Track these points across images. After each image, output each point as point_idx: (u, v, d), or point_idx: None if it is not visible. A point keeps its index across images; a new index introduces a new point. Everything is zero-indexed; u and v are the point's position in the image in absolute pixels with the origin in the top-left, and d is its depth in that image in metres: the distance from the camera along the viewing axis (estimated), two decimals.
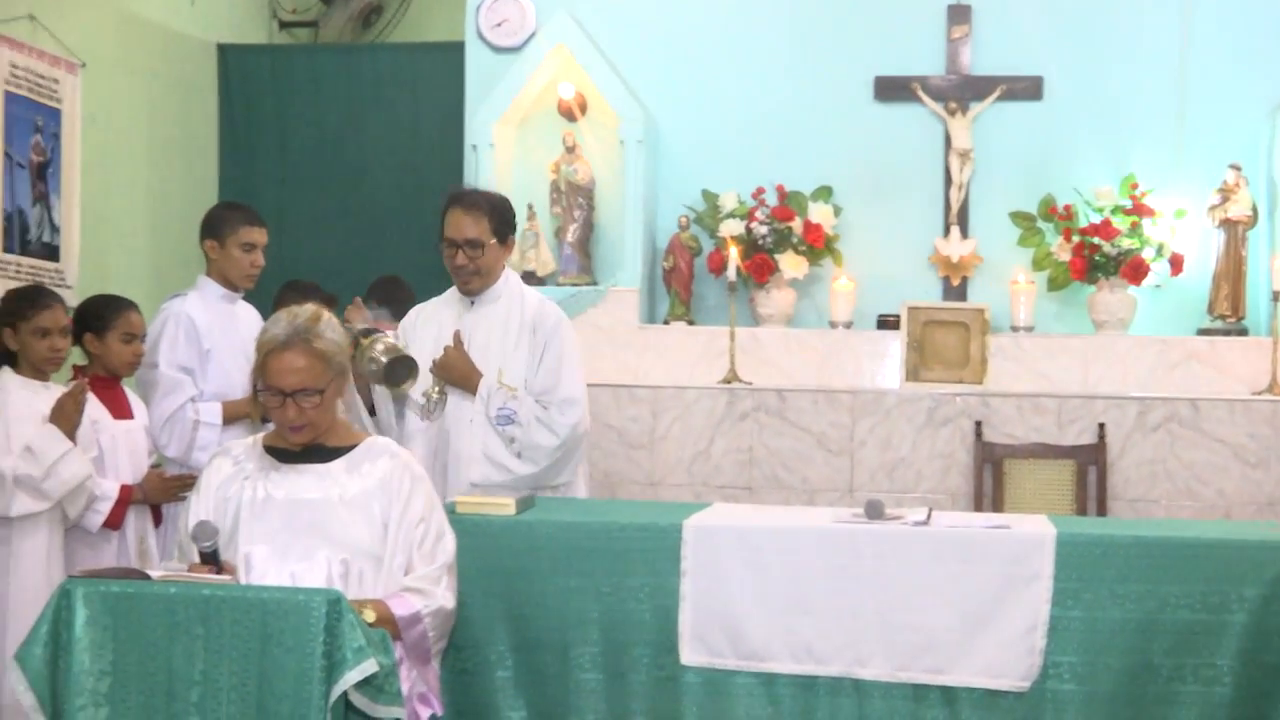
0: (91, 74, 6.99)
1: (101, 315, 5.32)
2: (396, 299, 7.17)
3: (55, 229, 6.71)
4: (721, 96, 7.26)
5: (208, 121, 8.28)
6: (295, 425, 3.72)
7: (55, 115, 6.74)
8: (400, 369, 4.81)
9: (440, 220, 5.02)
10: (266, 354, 3.71)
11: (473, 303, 5.05)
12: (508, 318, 5.09)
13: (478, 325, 5.04)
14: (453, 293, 5.14)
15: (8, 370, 4.98)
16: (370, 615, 3.56)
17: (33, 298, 5.08)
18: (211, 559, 3.61)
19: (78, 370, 5.31)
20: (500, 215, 5.04)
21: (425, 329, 5.10)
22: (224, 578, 3.53)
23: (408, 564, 3.76)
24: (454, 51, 7.47)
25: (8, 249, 6.37)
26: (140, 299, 5.76)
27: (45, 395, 4.98)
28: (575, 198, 7.09)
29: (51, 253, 6.68)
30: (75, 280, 6.76)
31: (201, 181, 8.10)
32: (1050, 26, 7.09)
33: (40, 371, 5.04)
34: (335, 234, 8.19)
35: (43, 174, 6.65)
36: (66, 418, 4.92)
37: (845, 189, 7.17)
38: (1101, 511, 6.34)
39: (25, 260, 6.48)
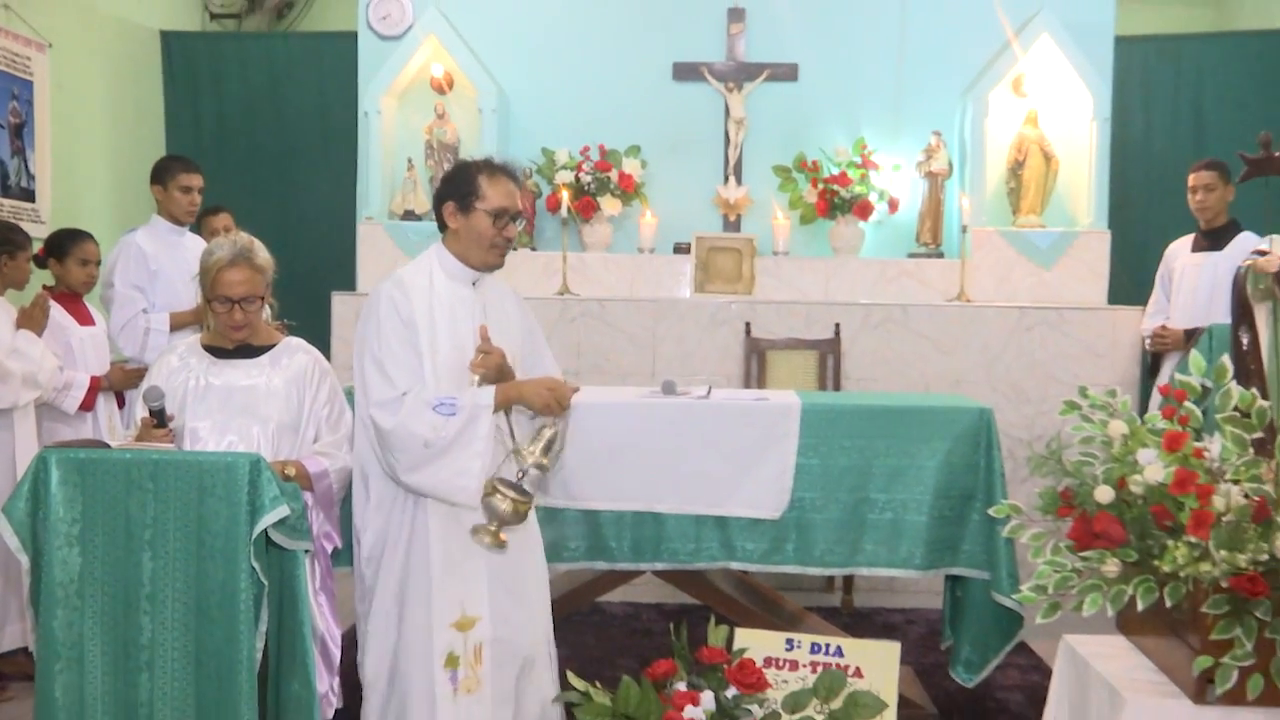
0: (57, 53, 6.70)
1: (62, 244, 5.25)
2: None
3: (31, 176, 6.45)
4: (557, 75, 7.19)
5: (154, 94, 7.98)
6: (238, 325, 3.69)
7: (28, 86, 6.46)
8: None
9: (471, 186, 3.45)
10: (217, 271, 3.65)
11: (474, 283, 3.55)
12: (503, 293, 3.66)
13: (489, 305, 3.57)
14: (445, 264, 3.51)
15: None
16: (292, 470, 3.57)
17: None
18: (158, 416, 3.57)
19: (46, 289, 5.19)
20: None
21: (438, 312, 3.45)
22: (169, 446, 3.49)
23: (316, 434, 3.75)
24: (349, 39, 7.28)
25: None
26: (102, 234, 5.61)
27: (8, 309, 4.92)
28: (444, 153, 6.99)
29: (28, 195, 6.43)
30: (48, 217, 6.52)
31: (151, 140, 7.82)
32: (805, 25, 7.08)
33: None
34: (261, 181, 8.00)
35: (19, 133, 6.38)
36: (35, 322, 4.89)
37: (650, 147, 7.16)
38: (837, 388, 6.47)
39: (7, 201, 6.24)
